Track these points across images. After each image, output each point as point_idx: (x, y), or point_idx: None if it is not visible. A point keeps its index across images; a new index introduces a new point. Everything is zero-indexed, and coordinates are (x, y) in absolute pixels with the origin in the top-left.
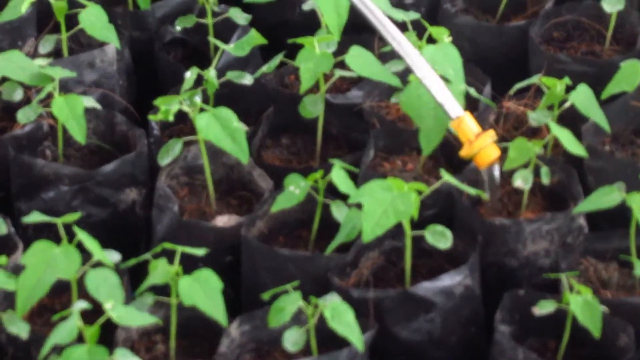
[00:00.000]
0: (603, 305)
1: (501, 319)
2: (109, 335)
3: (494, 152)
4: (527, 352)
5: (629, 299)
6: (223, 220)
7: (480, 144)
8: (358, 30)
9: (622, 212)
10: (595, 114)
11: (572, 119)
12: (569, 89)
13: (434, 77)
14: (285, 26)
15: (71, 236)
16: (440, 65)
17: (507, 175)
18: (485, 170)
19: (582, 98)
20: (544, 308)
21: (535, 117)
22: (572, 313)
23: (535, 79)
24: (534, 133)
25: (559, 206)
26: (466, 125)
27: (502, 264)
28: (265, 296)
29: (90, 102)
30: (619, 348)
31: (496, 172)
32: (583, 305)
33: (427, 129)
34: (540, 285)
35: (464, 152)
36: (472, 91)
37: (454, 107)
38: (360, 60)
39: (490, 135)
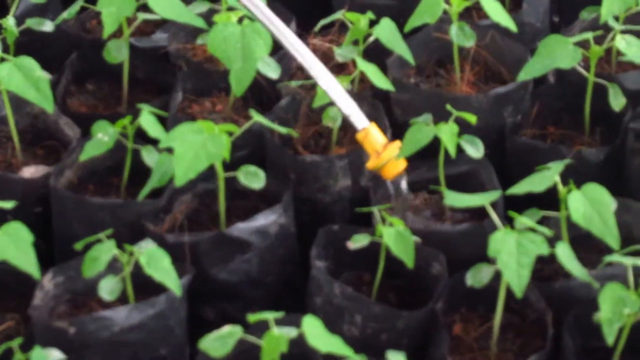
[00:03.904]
0: (415, 235)
1: (317, 254)
2: None
3: (401, 164)
4: (343, 286)
5: (440, 228)
6: (30, 171)
7: (388, 156)
8: None
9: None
10: (399, 47)
11: (377, 53)
12: (372, 23)
13: (339, 88)
14: None
15: None
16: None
17: (317, 111)
18: (391, 182)
19: (386, 32)
20: (358, 242)
21: (341, 53)
22: (386, 245)
23: (339, 15)
24: (341, 69)
25: None
26: (373, 136)
27: (315, 201)
28: (78, 246)
29: None
30: (432, 276)
31: (403, 184)
32: (396, 237)
33: (236, 70)
34: (354, 219)
35: (370, 164)
36: None
37: (360, 119)
38: (163, 2)
39: (397, 146)
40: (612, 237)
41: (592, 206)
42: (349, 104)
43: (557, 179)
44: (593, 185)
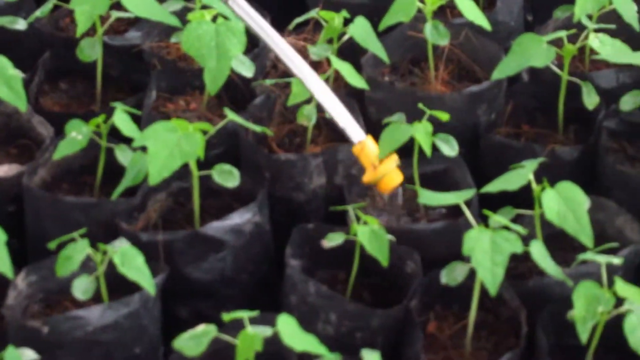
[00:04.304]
0: (389, 234)
1: (291, 253)
2: None
3: (398, 177)
4: (317, 285)
5: (414, 226)
6: (3, 170)
7: (385, 169)
8: None
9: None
10: (374, 46)
11: (352, 52)
12: (347, 22)
13: (335, 101)
14: None
15: None
16: (219, 3)
17: (292, 110)
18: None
19: (360, 30)
20: (333, 240)
21: (316, 51)
22: (360, 244)
23: (313, 13)
24: (316, 67)
25: (344, 138)
26: (369, 149)
27: (290, 199)
28: (52, 245)
29: None
30: (407, 275)
31: (399, 197)
32: (370, 236)
33: (211, 68)
34: (328, 217)
35: (367, 178)
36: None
37: (356, 132)
38: (136, 0)
39: (394, 159)
40: (585, 235)
41: (566, 204)
42: (344, 116)
43: (531, 177)
44: (567, 184)
